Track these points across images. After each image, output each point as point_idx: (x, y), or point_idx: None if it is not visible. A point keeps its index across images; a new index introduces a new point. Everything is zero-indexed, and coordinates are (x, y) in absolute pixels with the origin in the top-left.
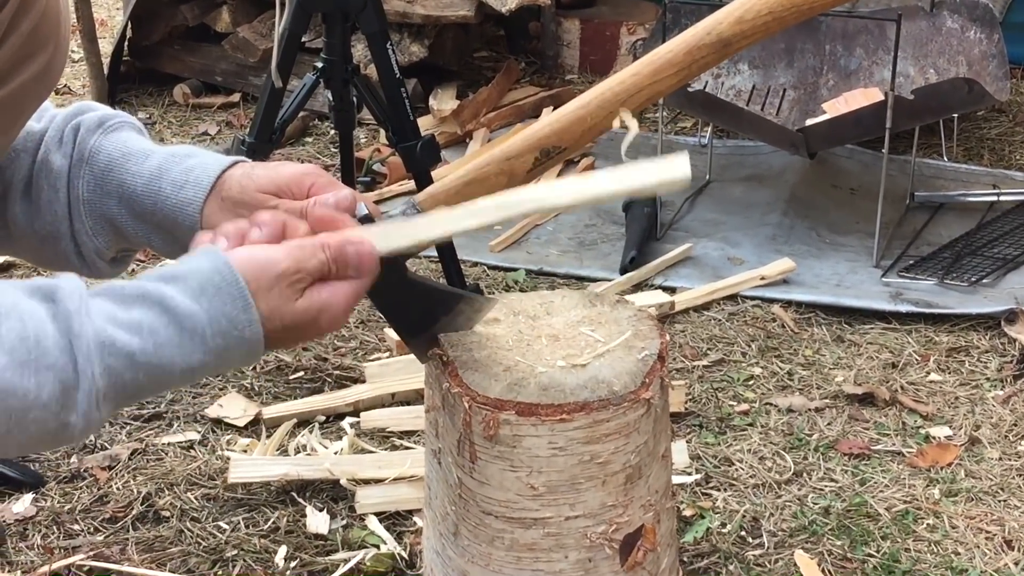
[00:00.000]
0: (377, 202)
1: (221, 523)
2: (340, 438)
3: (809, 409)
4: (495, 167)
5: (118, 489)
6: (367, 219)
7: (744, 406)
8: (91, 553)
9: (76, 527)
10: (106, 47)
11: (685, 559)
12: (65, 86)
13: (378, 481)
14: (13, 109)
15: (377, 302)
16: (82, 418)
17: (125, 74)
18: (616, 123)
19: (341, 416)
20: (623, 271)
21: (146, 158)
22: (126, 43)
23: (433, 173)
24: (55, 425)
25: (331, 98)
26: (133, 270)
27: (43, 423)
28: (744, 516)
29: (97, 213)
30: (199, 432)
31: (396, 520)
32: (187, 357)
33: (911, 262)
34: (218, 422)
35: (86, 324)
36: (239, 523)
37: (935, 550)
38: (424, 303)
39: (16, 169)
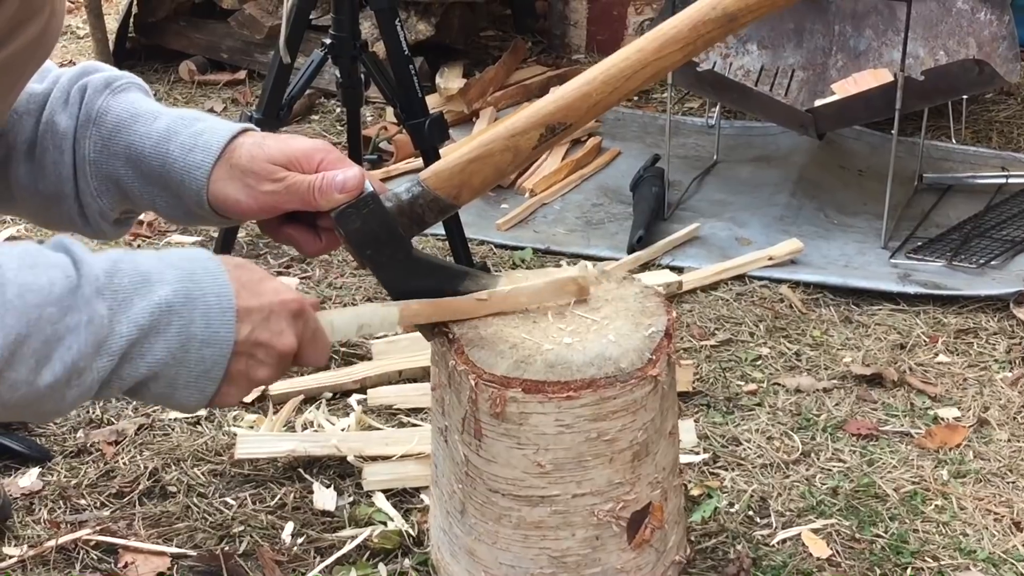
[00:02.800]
0: (383, 180)
1: (228, 499)
2: (347, 415)
3: (817, 390)
4: (500, 144)
5: (124, 464)
6: (373, 196)
7: (752, 386)
8: (98, 528)
9: (83, 502)
10: (112, 23)
11: (693, 538)
12: (71, 61)
13: (385, 458)
14: (9, 75)
15: (383, 278)
16: (85, 313)
17: (130, 50)
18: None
19: (348, 393)
20: (630, 250)
21: (154, 119)
22: (132, 19)
23: (441, 151)
24: (62, 327)
25: (339, 75)
26: (140, 246)
27: (54, 321)
28: (752, 496)
29: (103, 174)
30: (205, 408)
31: (403, 497)
32: (161, 271)
33: (919, 244)
34: None
35: (78, 246)
36: (246, 499)
37: (943, 531)
38: (430, 280)
39: (19, 131)
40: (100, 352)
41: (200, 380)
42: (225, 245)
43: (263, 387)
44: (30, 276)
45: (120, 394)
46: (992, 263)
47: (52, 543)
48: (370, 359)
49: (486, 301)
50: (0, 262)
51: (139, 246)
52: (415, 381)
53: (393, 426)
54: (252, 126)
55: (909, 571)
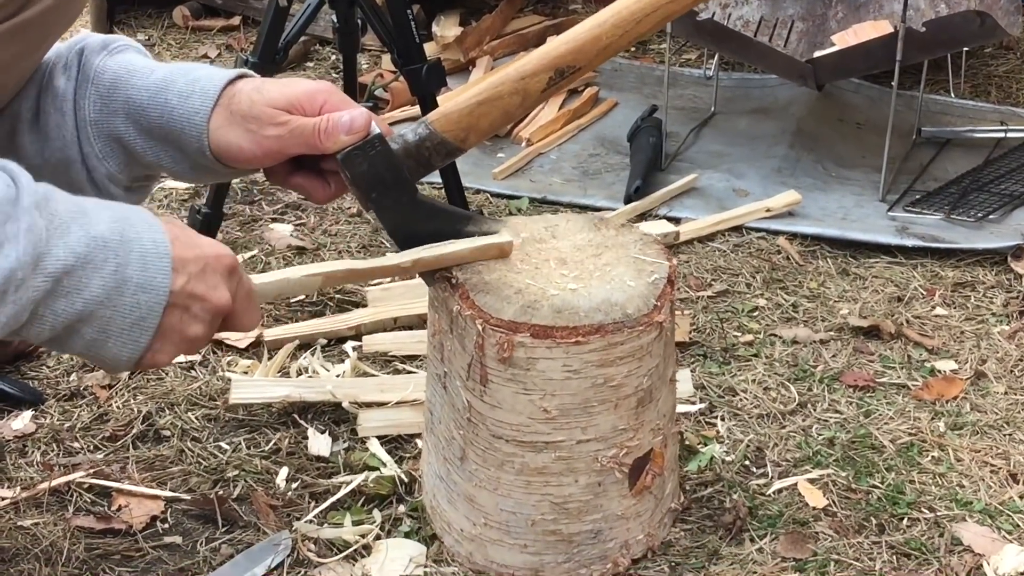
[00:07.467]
0: None
1: (222, 443)
2: (342, 361)
3: (814, 341)
4: (509, 87)
5: (118, 408)
6: (380, 138)
7: (749, 337)
8: (91, 471)
9: (76, 445)
10: None
11: (689, 487)
12: None
13: (380, 404)
14: (39, 30)
15: (386, 222)
16: (24, 221)
17: None
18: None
19: (343, 339)
20: (627, 200)
21: (151, 72)
22: None
23: (438, 99)
24: (0, 235)
25: (336, 20)
26: None
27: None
28: (748, 446)
29: (105, 134)
30: (200, 353)
31: (397, 444)
32: (97, 209)
33: (917, 197)
34: (219, 343)
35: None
36: (240, 444)
37: (940, 482)
38: (432, 224)
39: (23, 99)
40: (37, 268)
41: (134, 329)
42: (218, 193)
43: (194, 351)
44: None
45: (51, 338)
46: (990, 217)
47: (45, 485)
48: (365, 306)
49: (409, 265)
50: None
51: None
52: (410, 328)
53: (388, 373)
54: (249, 71)
55: (905, 521)
